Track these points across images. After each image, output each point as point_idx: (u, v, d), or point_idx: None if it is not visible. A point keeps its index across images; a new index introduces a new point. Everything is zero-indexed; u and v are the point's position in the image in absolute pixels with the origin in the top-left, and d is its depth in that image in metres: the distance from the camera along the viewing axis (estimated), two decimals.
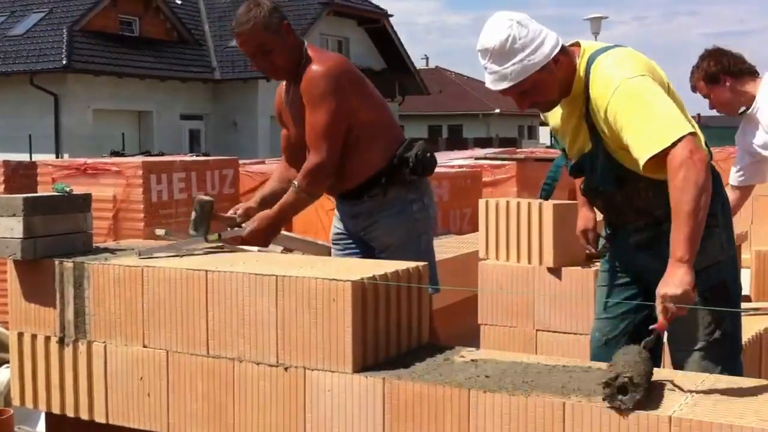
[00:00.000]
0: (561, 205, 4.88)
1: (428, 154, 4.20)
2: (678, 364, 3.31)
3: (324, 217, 9.50)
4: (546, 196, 3.60)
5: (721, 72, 4.98)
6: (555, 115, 3.49)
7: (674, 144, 2.93)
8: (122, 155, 20.10)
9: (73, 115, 30.49)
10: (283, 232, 3.74)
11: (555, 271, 4.78)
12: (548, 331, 4.80)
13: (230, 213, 4.15)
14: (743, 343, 3.78)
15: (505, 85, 3.20)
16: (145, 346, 3.38)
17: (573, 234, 4.84)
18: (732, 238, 3.41)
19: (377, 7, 39.60)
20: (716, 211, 3.29)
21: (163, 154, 19.01)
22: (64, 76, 30.18)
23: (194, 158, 12.39)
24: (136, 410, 3.41)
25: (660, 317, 2.86)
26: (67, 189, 3.77)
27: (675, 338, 3.32)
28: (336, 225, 4.45)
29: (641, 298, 3.42)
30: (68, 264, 3.53)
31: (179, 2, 37.73)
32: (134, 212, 8.95)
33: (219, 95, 35.60)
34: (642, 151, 3.00)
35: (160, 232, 4.09)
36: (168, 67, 33.70)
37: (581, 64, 3.25)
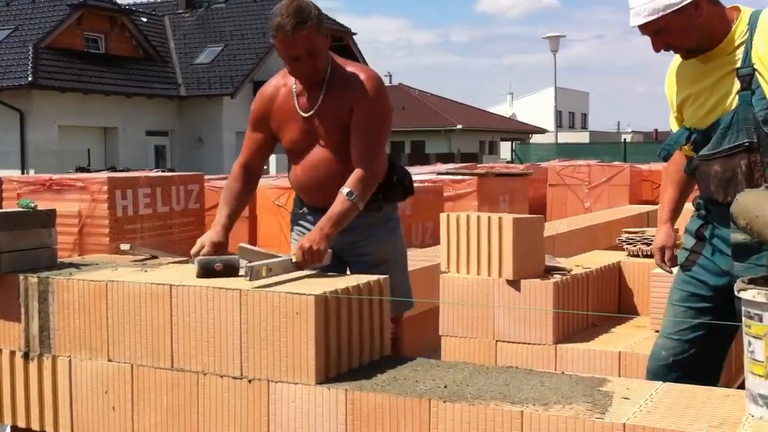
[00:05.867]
0: (520, 218, 4.93)
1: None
2: None
3: (287, 229, 9.51)
4: (666, 156, 3.49)
5: None
6: (681, 80, 3.47)
7: None
8: (88, 171, 19.97)
9: (38, 131, 30.33)
10: (247, 245, 3.73)
11: (514, 284, 4.83)
12: (507, 341, 4.85)
13: (195, 249, 3.75)
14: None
15: (638, 21, 3.21)
16: (109, 360, 3.40)
17: (532, 247, 4.90)
18: None
19: (341, 25, 39.64)
20: None
21: (128, 170, 18.95)
22: (30, 93, 30.04)
23: (160, 174, 12.38)
24: (101, 423, 3.43)
25: None
26: (32, 204, 3.76)
27: None
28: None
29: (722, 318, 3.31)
30: (33, 279, 3.54)
31: (145, 20, 37.67)
32: (99, 227, 8.93)
33: (184, 111, 35.53)
34: None
35: (125, 247, 4.10)
36: (133, 83, 33.62)
37: (742, 19, 3.25)
